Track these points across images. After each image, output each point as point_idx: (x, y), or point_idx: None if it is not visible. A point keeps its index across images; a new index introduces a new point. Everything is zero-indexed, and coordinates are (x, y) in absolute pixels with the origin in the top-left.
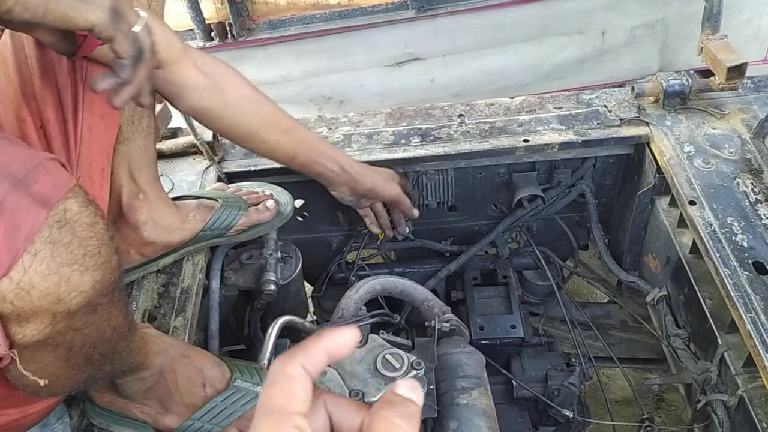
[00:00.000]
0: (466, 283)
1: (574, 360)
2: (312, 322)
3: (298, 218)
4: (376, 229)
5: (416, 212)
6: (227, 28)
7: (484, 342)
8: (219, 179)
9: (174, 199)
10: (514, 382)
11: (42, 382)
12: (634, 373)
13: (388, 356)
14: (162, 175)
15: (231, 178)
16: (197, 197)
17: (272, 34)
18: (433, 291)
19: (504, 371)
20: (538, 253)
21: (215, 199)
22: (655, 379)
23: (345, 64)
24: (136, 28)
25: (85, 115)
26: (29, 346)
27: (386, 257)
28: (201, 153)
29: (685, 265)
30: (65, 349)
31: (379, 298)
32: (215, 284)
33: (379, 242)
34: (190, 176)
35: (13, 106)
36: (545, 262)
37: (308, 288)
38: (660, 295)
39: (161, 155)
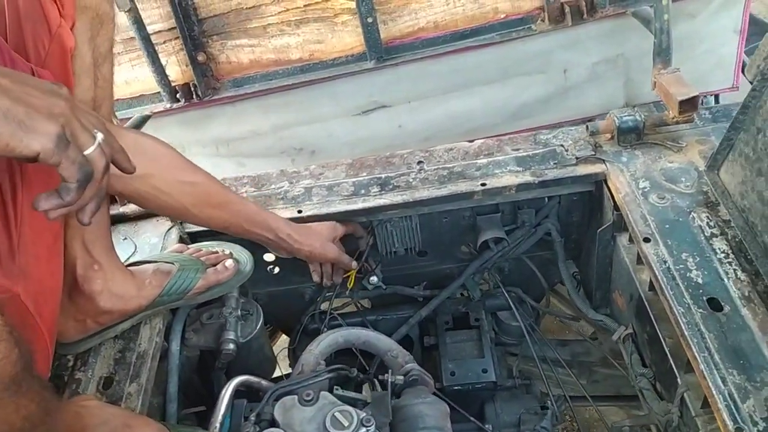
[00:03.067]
0: (438, 328)
1: (547, 402)
2: (276, 378)
3: (271, 271)
4: (317, 279)
5: (353, 265)
6: (192, 89)
7: (456, 388)
8: (181, 239)
9: (130, 265)
10: (484, 430)
11: None
12: (621, 411)
13: (337, 414)
14: (125, 238)
15: (194, 237)
16: (155, 261)
17: (237, 91)
18: (406, 337)
19: (472, 419)
20: (507, 294)
21: (172, 263)
22: (625, 421)
23: (312, 115)
24: (88, 151)
25: (24, 196)
26: None
27: (359, 305)
28: (153, 212)
29: (645, 303)
30: None
31: (353, 349)
32: (175, 346)
33: (348, 291)
34: (152, 238)
35: None
36: (517, 303)
37: (286, 340)
38: (625, 334)
39: (125, 218)
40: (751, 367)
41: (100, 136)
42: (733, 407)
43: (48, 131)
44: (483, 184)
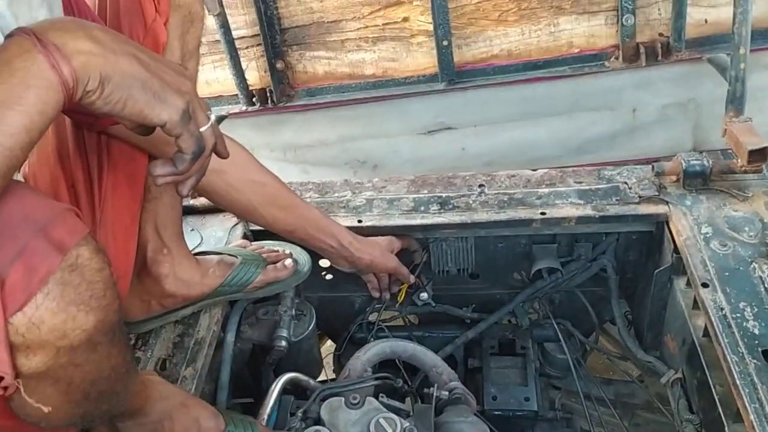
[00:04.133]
0: (484, 351)
1: None
2: (325, 380)
3: (325, 277)
4: (376, 294)
5: (411, 278)
6: (268, 94)
7: (496, 413)
8: (245, 236)
9: (196, 254)
10: None
11: (46, 409)
12: None
13: (381, 420)
14: (193, 229)
15: (257, 235)
16: (219, 253)
17: (310, 100)
18: (451, 357)
19: None
20: (556, 326)
21: (236, 256)
22: None
23: (379, 130)
24: (203, 129)
25: (108, 176)
26: (33, 377)
27: (408, 321)
28: (223, 209)
29: (698, 349)
30: (65, 383)
31: (396, 361)
32: (230, 337)
33: (398, 305)
34: (218, 232)
35: (49, 164)
36: (565, 336)
37: (332, 345)
38: (674, 378)
39: (194, 211)
40: None
41: (213, 117)
42: None
43: (177, 105)
44: (542, 213)
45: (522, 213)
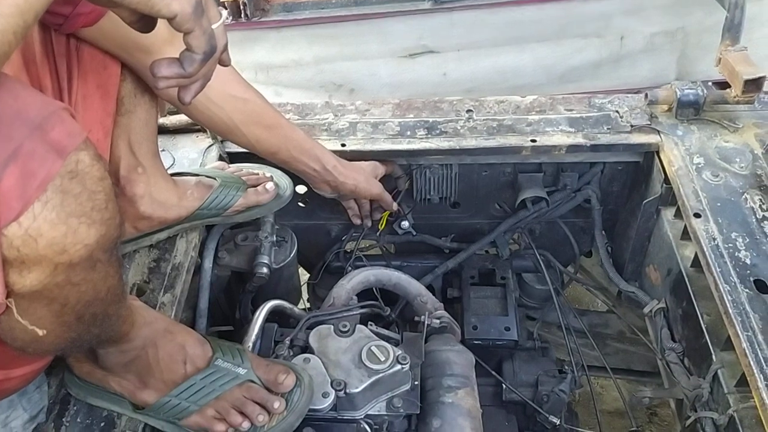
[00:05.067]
0: (463, 282)
1: (566, 367)
2: (304, 309)
3: (299, 204)
4: (357, 221)
5: (394, 206)
6: (241, 7)
7: (476, 342)
8: (220, 158)
9: (173, 175)
10: (503, 385)
11: (40, 332)
12: (628, 385)
13: (374, 348)
14: (163, 150)
15: (233, 158)
16: (196, 175)
17: (286, 16)
18: (430, 287)
19: (494, 373)
20: (538, 256)
21: (214, 178)
22: (646, 392)
23: (358, 52)
24: (215, 26)
25: (79, 85)
26: (26, 296)
27: (385, 249)
28: (204, 131)
29: (686, 279)
30: (60, 304)
31: (373, 290)
32: (208, 263)
33: (378, 233)
34: (191, 153)
35: (13, 70)
36: (545, 266)
37: (304, 275)
38: (657, 308)
39: (164, 130)
40: None
41: (224, 12)
42: None
43: None
44: (533, 141)
45: (512, 140)
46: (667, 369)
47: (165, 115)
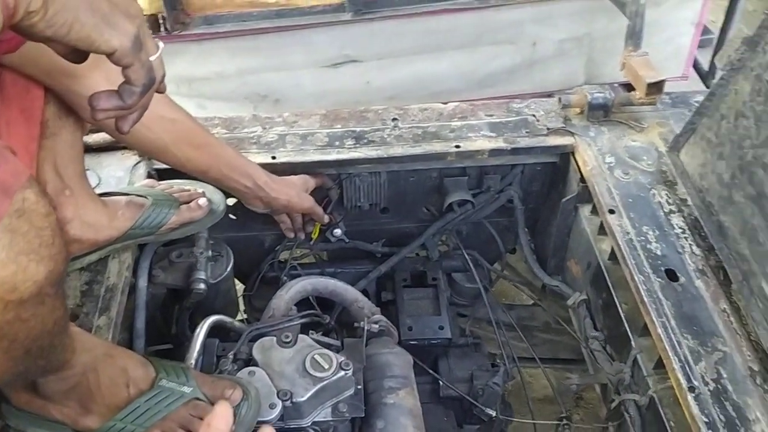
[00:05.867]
0: (396, 285)
1: (498, 361)
2: (242, 321)
3: (231, 216)
4: (290, 234)
5: (326, 218)
6: (160, 21)
7: (412, 342)
8: (149, 175)
9: (102, 195)
10: (440, 382)
11: None
12: (556, 373)
13: (317, 356)
14: (88, 169)
15: (162, 174)
16: (126, 194)
17: (207, 29)
18: (364, 292)
19: (431, 371)
20: (466, 256)
21: (146, 197)
22: (573, 378)
23: (281, 63)
24: (153, 58)
25: (3, 110)
26: None
27: (318, 257)
28: (130, 147)
29: (604, 271)
30: (8, 341)
31: (310, 298)
32: (142, 282)
33: (312, 242)
34: (118, 172)
35: None
36: (473, 265)
37: (240, 286)
38: (580, 299)
39: (88, 149)
40: (704, 333)
41: (161, 44)
42: (687, 368)
43: (127, 30)
44: (457, 146)
45: (437, 146)
46: (591, 356)
47: (87, 133)
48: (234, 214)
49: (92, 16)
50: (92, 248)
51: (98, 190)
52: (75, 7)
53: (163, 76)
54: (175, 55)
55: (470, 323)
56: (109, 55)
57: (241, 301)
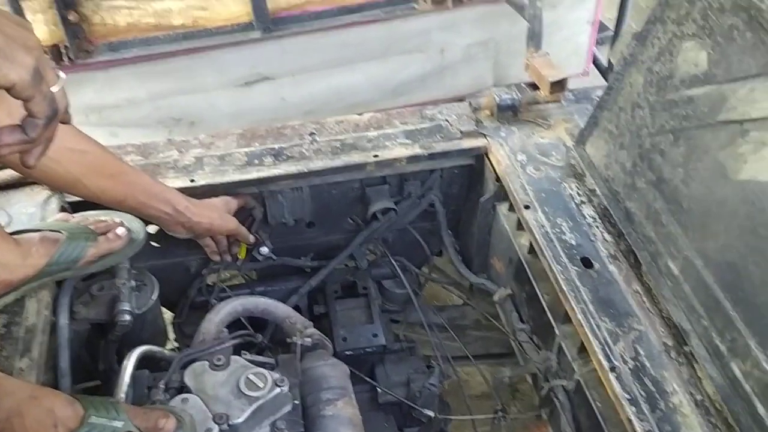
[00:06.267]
0: (328, 297)
1: (433, 362)
2: (172, 349)
3: (153, 244)
4: (216, 257)
5: (252, 238)
6: (63, 51)
7: (348, 353)
8: (62, 209)
9: (13, 233)
10: (378, 389)
11: None
12: (490, 368)
13: (251, 376)
14: None
15: (76, 207)
16: (40, 230)
17: (113, 56)
18: (296, 307)
19: (367, 379)
20: (393, 263)
21: (60, 231)
22: (505, 372)
23: (193, 85)
24: (54, 89)
25: None
26: None
27: (247, 277)
28: (40, 183)
29: (525, 265)
30: None
31: (241, 319)
32: (63, 320)
33: (239, 263)
34: (29, 208)
35: None
36: (401, 271)
37: (169, 315)
38: (505, 294)
39: None
40: (620, 315)
41: (62, 74)
42: (607, 349)
43: (26, 63)
44: (375, 156)
45: (356, 157)
46: (520, 348)
47: None
48: (156, 242)
49: None
50: (7, 289)
51: (9, 229)
52: None
53: (67, 106)
54: (81, 84)
55: (404, 328)
56: (8, 89)
57: (171, 329)
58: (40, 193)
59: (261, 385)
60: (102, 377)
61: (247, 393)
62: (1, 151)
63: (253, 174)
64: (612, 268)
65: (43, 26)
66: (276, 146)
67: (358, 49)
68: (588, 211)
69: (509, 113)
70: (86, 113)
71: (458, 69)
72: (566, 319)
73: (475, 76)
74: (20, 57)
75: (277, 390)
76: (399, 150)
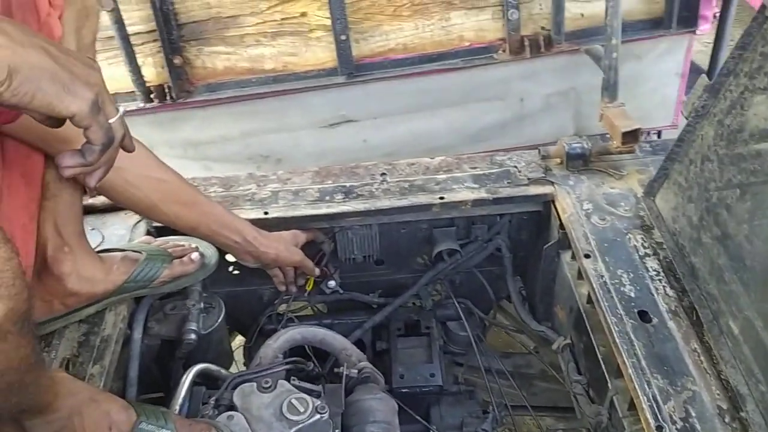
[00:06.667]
0: (391, 334)
1: (490, 408)
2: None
3: (234, 272)
4: (282, 288)
5: (317, 271)
6: (166, 90)
7: (404, 390)
8: (148, 233)
9: (100, 251)
10: (430, 430)
11: None
12: (550, 421)
13: (293, 400)
14: (93, 228)
15: (160, 231)
16: (123, 250)
17: (210, 96)
18: (360, 341)
19: (418, 418)
20: (457, 305)
21: (140, 252)
22: (558, 425)
23: (281, 125)
24: (112, 120)
25: (4, 175)
26: None
27: (317, 309)
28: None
29: (583, 315)
30: None
31: (306, 347)
32: (137, 334)
33: (306, 294)
34: (120, 230)
35: None
36: (466, 314)
37: (241, 340)
38: (564, 344)
39: (94, 210)
40: (674, 373)
41: (121, 109)
42: (655, 408)
43: (85, 96)
44: (441, 198)
45: (422, 198)
46: (575, 401)
47: (95, 195)
48: (235, 270)
49: (53, 85)
50: (89, 301)
51: (101, 247)
52: (37, 78)
53: (124, 135)
54: (181, 121)
55: (464, 371)
56: (70, 119)
57: (241, 352)
58: (131, 218)
59: (302, 410)
60: (166, 390)
61: (288, 416)
62: (64, 173)
63: (323, 209)
64: (671, 324)
65: (151, 68)
66: (347, 184)
67: (438, 96)
68: (652, 264)
69: (579, 162)
70: (185, 147)
71: (538, 118)
72: (619, 373)
73: (555, 125)
74: (81, 91)
75: (317, 416)
76: (465, 193)
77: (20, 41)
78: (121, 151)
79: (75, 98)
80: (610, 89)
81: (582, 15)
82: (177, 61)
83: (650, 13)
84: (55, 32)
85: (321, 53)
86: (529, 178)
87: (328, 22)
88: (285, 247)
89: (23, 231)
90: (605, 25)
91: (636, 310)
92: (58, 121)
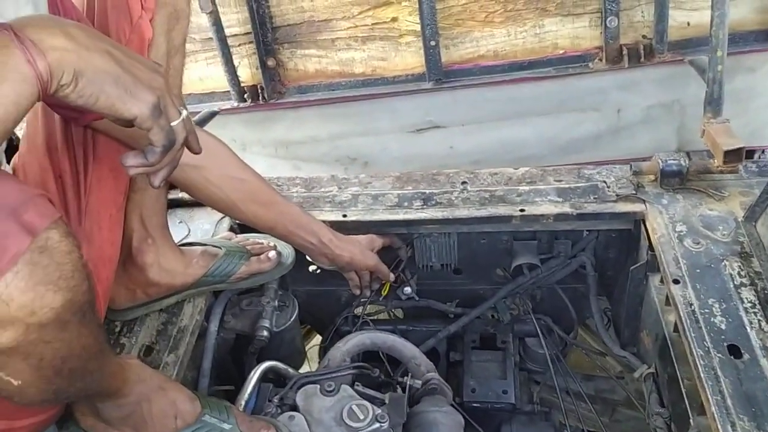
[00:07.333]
0: (465, 345)
1: (564, 431)
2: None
3: (316, 271)
4: (356, 291)
5: (392, 277)
6: (259, 91)
7: (474, 405)
8: (231, 229)
9: (182, 245)
10: None
11: (15, 383)
12: None
13: (354, 407)
14: (180, 221)
15: (243, 228)
16: (204, 245)
17: (301, 97)
18: (434, 350)
19: None
20: (536, 322)
21: (220, 248)
22: None
23: (369, 128)
24: (174, 123)
25: (94, 168)
26: (4, 351)
27: (393, 315)
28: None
29: (669, 343)
30: (36, 359)
31: (380, 354)
32: (213, 326)
33: (382, 298)
34: (205, 224)
35: (38, 156)
36: (545, 331)
37: (319, 339)
38: (647, 372)
39: (182, 204)
40: (763, 415)
41: (184, 112)
42: None
43: (147, 100)
44: (522, 210)
45: (502, 210)
46: None
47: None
48: (316, 270)
49: (116, 88)
50: (169, 292)
51: (186, 240)
52: (102, 80)
53: (185, 138)
54: (273, 121)
55: (541, 391)
56: (132, 120)
57: (315, 351)
58: (216, 213)
59: (362, 417)
60: (237, 383)
61: (347, 422)
62: (128, 173)
63: (400, 215)
64: (763, 361)
65: (246, 69)
66: (427, 191)
67: (529, 104)
68: (748, 294)
69: (675, 180)
70: (275, 147)
71: (636, 131)
72: (702, 410)
73: (655, 139)
74: (143, 95)
75: (377, 425)
76: (547, 207)
77: (86, 45)
78: (204, 150)
79: (137, 101)
80: (713, 104)
81: (688, 24)
82: (270, 62)
83: (764, 24)
84: (146, 34)
85: (410, 58)
86: (617, 195)
87: (418, 27)
88: (360, 250)
89: (111, 222)
90: (710, 35)
91: (726, 344)
92: (127, 121)
